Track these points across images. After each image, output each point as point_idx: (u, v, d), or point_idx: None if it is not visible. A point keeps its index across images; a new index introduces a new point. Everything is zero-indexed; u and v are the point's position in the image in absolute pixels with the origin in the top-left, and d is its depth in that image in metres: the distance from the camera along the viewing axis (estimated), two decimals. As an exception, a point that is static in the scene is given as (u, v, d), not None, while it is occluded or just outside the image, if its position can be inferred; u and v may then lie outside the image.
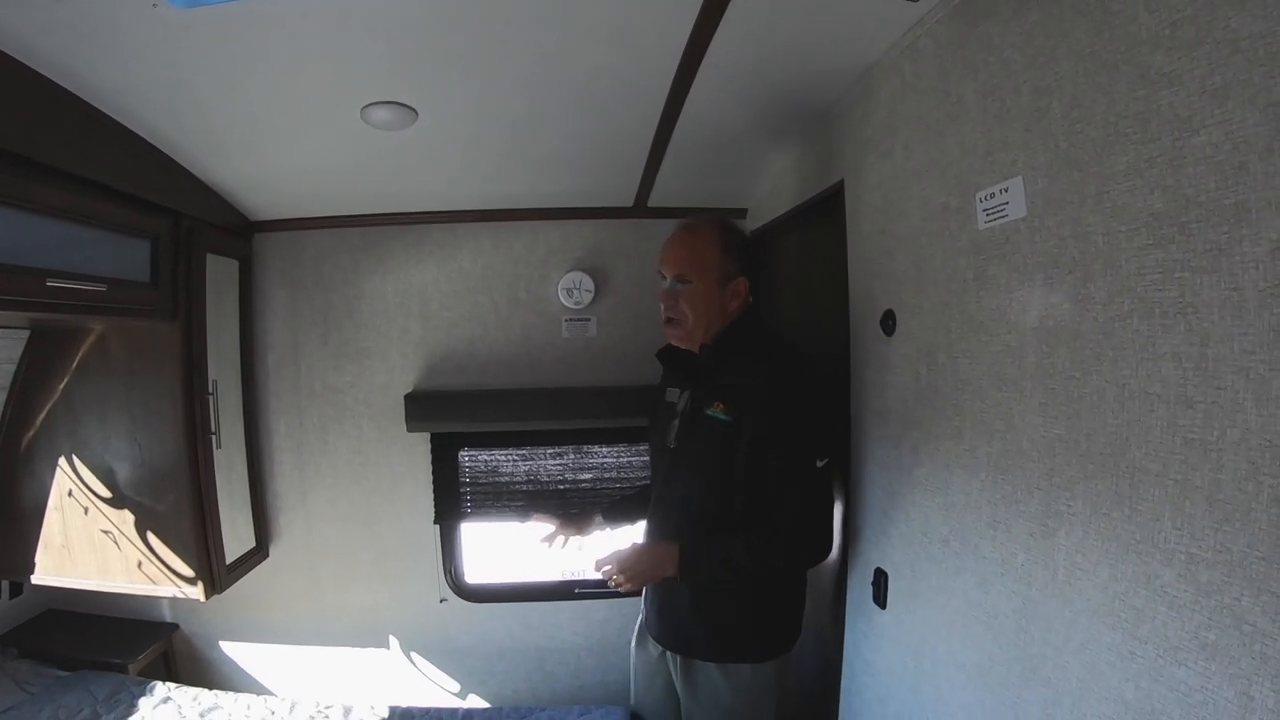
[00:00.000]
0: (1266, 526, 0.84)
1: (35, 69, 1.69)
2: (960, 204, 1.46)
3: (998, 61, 1.32)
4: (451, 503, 3.21)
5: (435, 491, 3.19)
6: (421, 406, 3.03)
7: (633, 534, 2.21)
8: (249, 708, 2.74)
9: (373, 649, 3.33)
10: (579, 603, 3.30)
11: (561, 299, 3.13)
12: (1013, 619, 1.34)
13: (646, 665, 2.16)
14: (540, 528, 2.27)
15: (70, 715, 2.49)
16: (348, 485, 3.21)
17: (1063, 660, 1.20)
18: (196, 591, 2.60)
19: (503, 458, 3.22)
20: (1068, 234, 1.15)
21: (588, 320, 3.17)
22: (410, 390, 3.12)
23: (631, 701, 2.32)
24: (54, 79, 1.75)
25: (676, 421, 1.93)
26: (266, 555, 3.15)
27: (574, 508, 3.03)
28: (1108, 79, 1.05)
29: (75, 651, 2.89)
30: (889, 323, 1.79)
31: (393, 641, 3.32)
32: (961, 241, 1.46)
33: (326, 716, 2.72)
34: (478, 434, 3.18)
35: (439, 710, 2.75)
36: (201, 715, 2.64)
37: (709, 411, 1.83)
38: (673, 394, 2.02)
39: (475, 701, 3.34)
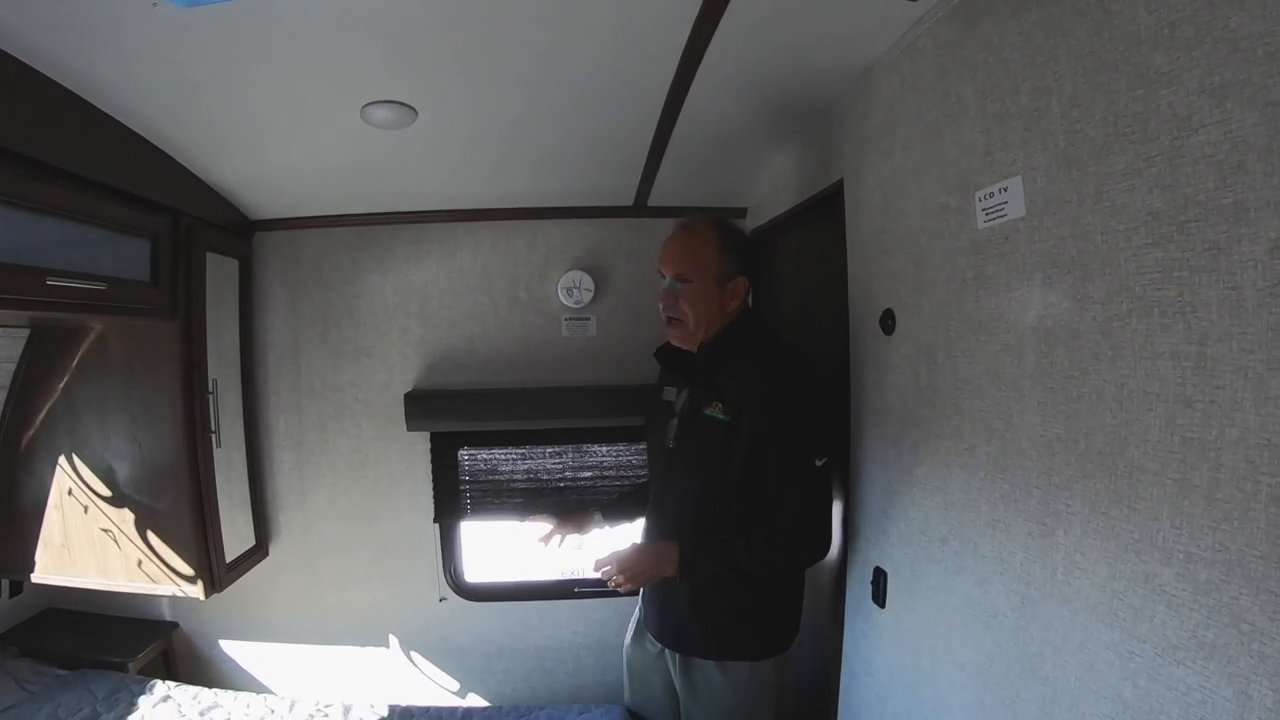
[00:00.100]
0: (1265, 525, 0.84)
1: (35, 67, 1.69)
2: (959, 203, 1.46)
3: (997, 61, 1.32)
4: (451, 502, 3.21)
5: (435, 490, 3.19)
6: (421, 405, 3.03)
7: (631, 532, 2.21)
8: (248, 706, 2.74)
9: (372, 648, 3.33)
10: (578, 602, 3.30)
11: (561, 298, 3.13)
12: (1011, 618, 1.35)
13: (644, 663, 2.16)
14: (538, 528, 2.27)
15: (70, 714, 2.49)
16: (347, 484, 3.21)
17: (1061, 659, 1.21)
18: (196, 590, 2.60)
19: (502, 456, 3.22)
20: (1067, 233, 1.15)
21: (587, 319, 3.17)
22: (410, 389, 3.12)
23: (626, 699, 2.32)
24: (54, 78, 1.75)
25: (675, 421, 1.93)
26: (266, 554, 3.15)
27: (573, 506, 3.02)
28: (1107, 78, 1.05)
29: (75, 650, 2.89)
30: (888, 322, 1.79)
31: (392, 640, 3.33)
32: (961, 241, 1.46)
33: (326, 715, 2.72)
34: (477, 433, 3.18)
35: (438, 709, 2.75)
36: (201, 714, 2.63)
37: (708, 411, 1.83)
38: (670, 393, 2.02)
39: (475, 700, 3.34)
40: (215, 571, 2.66)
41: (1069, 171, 1.14)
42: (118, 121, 2.02)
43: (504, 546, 3.61)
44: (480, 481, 3.23)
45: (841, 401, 2.09)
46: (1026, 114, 1.24)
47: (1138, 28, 0.99)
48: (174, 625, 3.23)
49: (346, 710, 2.74)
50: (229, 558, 2.77)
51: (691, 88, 1.88)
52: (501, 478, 3.23)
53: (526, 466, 3.23)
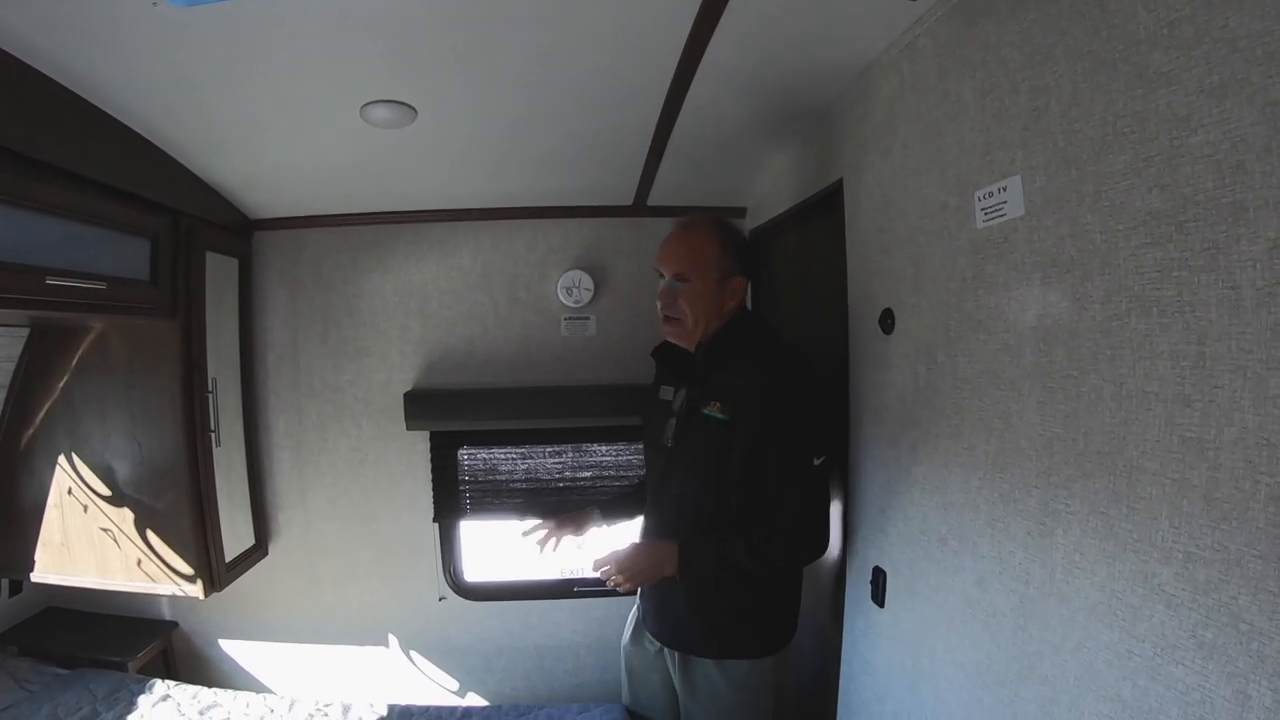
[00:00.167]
0: (1264, 525, 0.84)
1: (36, 67, 1.69)
2: (959, 203, 1.46)
3: (996, 60, 1.32)
4: (450, 501, 3.21)
5: (434, 490, 3.19)
6: (421, 405, 3.03)
7: (630, 531, 2.21)
8: (248, 705, 2.74)
9: (372, 647, 3.33)
10: (578, 601, 3.30)
11: (561, 297, 3.13)
12: (1011, 617, 1.35)
13: (643, 662, 2.16)
14: (535, 534, 2.27)
15: (70, 713, 2.49)
16: (347, 483, 3.21)
17: (1060, 659, 1.21)
18: (196, 589, 2.60)
19: (502, 456, 3.22)
20: (1066, 233, 1.16)
21: (587, 319, 3.17)
22: (409, 388, 3.12)
23: (624, 699, 2.32)
24: (54, 77, 1.75)
25: (673, 420, 1.93)
26: (266, 553, 3.15)
27: (572, 505, 3.03)
28: (1106, 78, 1.05)
29: (75, 649, 2.89)
30: (887, 321, 1.79)
31: (392, 640, 3.33)
32: (960, 240, 1.46)
33: (325, 714, 2.72)
34: (477, 432, 3.18)
35: (438, 708, 2.75)
36: (201, 713, 2.63)
37: (706, 411, 1.83)
38: (667, 392, 2.02)
39: (474, 700, 3.34)
40: (215, 571, 2.66)
41: (1068, 171, 1.14)
42: (118, 121, 2.02)
43: (503, 546, 3.60)
44: (480, 481, 3.23)
45: (840, 401, 2.09)
46: (1026, 113, 1.24)
47: (1137, 27, 0.99)
48: (173, 624, 3.23)
49: (346, 710, 2.74)
50: (228, 557, 2.77)
51: (691, 87, 1.88)
52: (501, 477, 3.23)
53: (526, 466, 3.23)
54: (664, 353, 2.05)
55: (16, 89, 1.68)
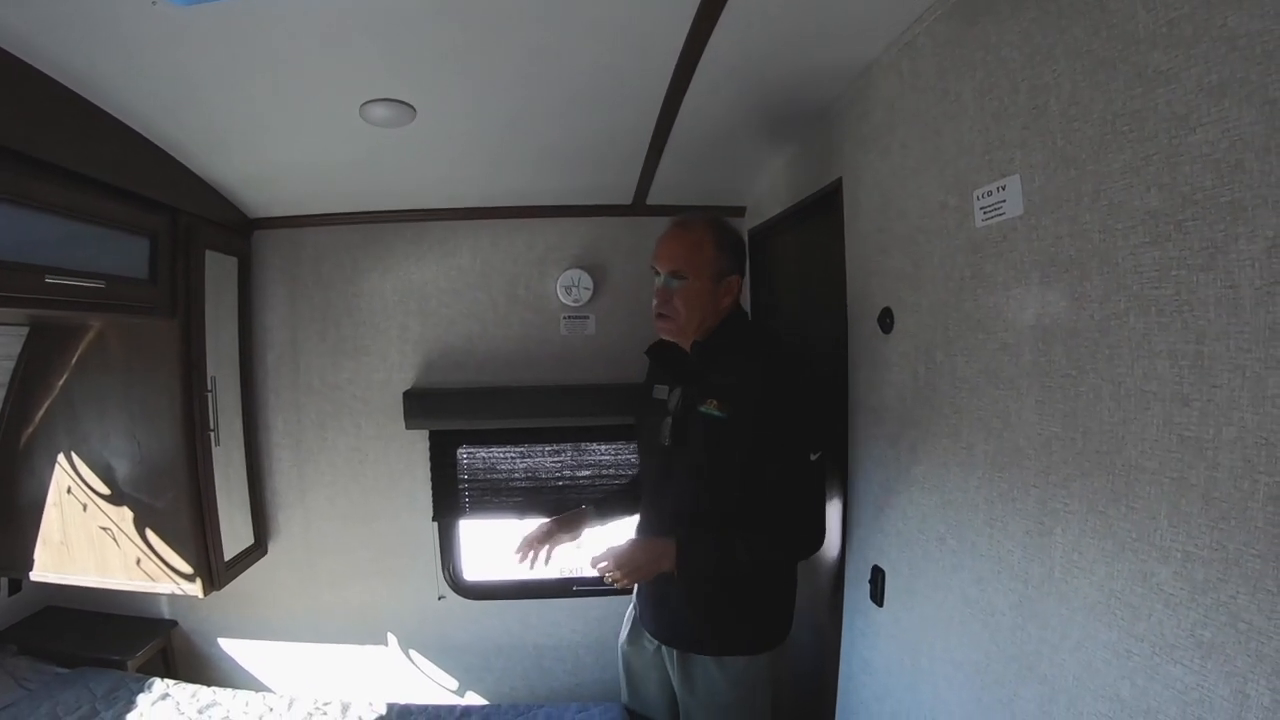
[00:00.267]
0: (1262, 524, 0.84)
1: (36, 66, 1.69)
2: (958, 202, 1.46)
3: (996, 60, 1.32)
4: (450, 500, 3.21)
5: (433, 489, 3.19)
6: (420, 404, 3.03)
7: (626, 529, 2.21)
8: (247, 704, 2.74)
9: (371, 646, 3.33)
10: (577, 600, 3.30)
11: (560, 296, 3.13)
12: (1009, 616, 1.35)
13: (641, 661, 2.16)
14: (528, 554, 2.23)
15: (69, 712, 2.49)
16: (346, 482, 3.21)
17: (1059, 658, 1.21)
18: (195, 588, 2.60)
19: (501, 455, 3.22)
20: (1065, 232, 1.16)
21: (586, 318, 3.17)
22: (409, 387, 3.12)
23: (623, 698, 2.32)
24: (54, 76, 1.75)
25: (669, 419, 1.93)
26: (265, 552, 3.15)
27: (571, 504, 3.02)
28: (1105, 77, 1.05)
29: (74, 648, 2.88)
30: (887, 320, 1.80)
31: (391, 639, 3.33)
32: (959, 239, 1.46)
33: (324, 713, 2.72)
34: (476, 431, 3.18)
35: (437, 707, 2.75)
36: (200, 712, 2.64)
37: (702, 408, 1.83)
38: (661, 391, 2.02)
39: (473, 699, 3.34)
40: (214, 570, 2.66)
41: (1067, 170, 1.14)
42: (117, 120, 2.02)
43: (503, 545, 3.59)
44: (479, 480, 3.23)
45: (839, 400, 2.09)
46: (1025, 113, 1.24)
47: (1136, 26, 0.99)
48: (173, 623, 3.22)
49: (345, 708, 2.74)
50: (228, 556, 2.77)
51: (690, 86, 1.88)
52: (500, 476, 3.23)
53: (525, 465, 3.23)
54: (658, 351, 2.05)
55: (17, 88, 1.68)
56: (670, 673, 2.03)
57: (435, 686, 3.35)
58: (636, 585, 2.11)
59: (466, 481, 3.23)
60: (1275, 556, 0.83)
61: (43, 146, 1.82)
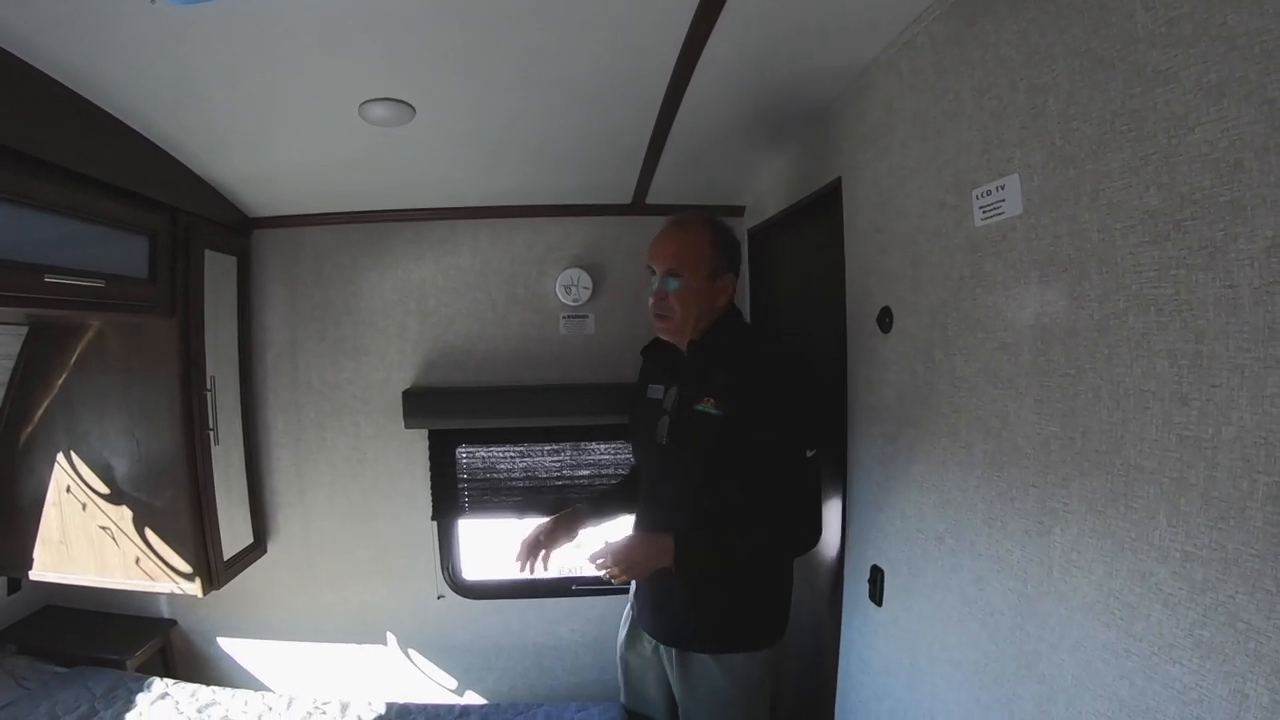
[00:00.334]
0: (1261, 524, 0.84)
1: (36, 66, 1.69)
2: (957, 201, 1.46)
3: (995, 59, 1.32)
4: (449, 499, 3.21)
5: (433, 488, 3.19)
6: (419, 403, 3.02)
7: (623, 526, 2.21)
8: (246, 704, 2.74)
9: (370, 645, 3.33)
10: (576, 600, 3.30)
11: (559, 296, 3.13)
12: (1008, 616, 1.35)
13: (640, 662, 2.16)
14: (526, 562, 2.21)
15: (68, 711, 2.49)
16: (345, 482, 3.21)
17: (1058, 657, 1.21)
18: (194, 588, 2.60)
19: (500, 454, 3.22)
20: (1063, 231, 1.15)
21: (585, 317, 3.17)
22: (408, 387, 3.12)
23: (622, 699, 2.32)
24: (54, 76, 1.75)
25: (665, 418, 1.94)
26: (264, 551, 3.15)
27: (569, 505, 3.02)
28: (1104, 76, 1.05)
29: (73, 647, 2.88)
30: (886, 320, 1.80)
31: (390, 638, 3.33)
32: (958, 239, 1.46)
33: (324, 713, 2.72)
34: (475, 430, 3.17)
35: (436, 707, 2.75)
36: (199, 711, 2.64)
37: (699, 407, 1.84)
38: (656, 391, 2.03)
39: (472, 698, 3.34)
40: (213, 569, 2.66)
41: (1066, 169, 1.14)
42: (116, 119, 2.02)
43: (502, 544, 3.59)
44: (478, 479, 3.23)
45: (837, 398, 2.09)
46: (1024, 112, 1.24)
47: (1135, 25, 0.98)
48: (172, 623, 3.22)
49: (344, 708, 2.74)
50: (227, 555, 2.77)
51: (689, 85, 1.88)
52: (499, 475, 3.23)
53: (525, 464, 3.23)
54: (653, 351, 2.06)
55: (17, 88, 1.68)
56: (669, 673, 2.04)
57: (435, 686, 3.35)
58: (635, 587, 2.12)
59: (466, 481, 3.23)
60: (1274, 556, 0.82)
61: (43, 146, 1.82)
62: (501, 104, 2.04)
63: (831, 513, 2.18)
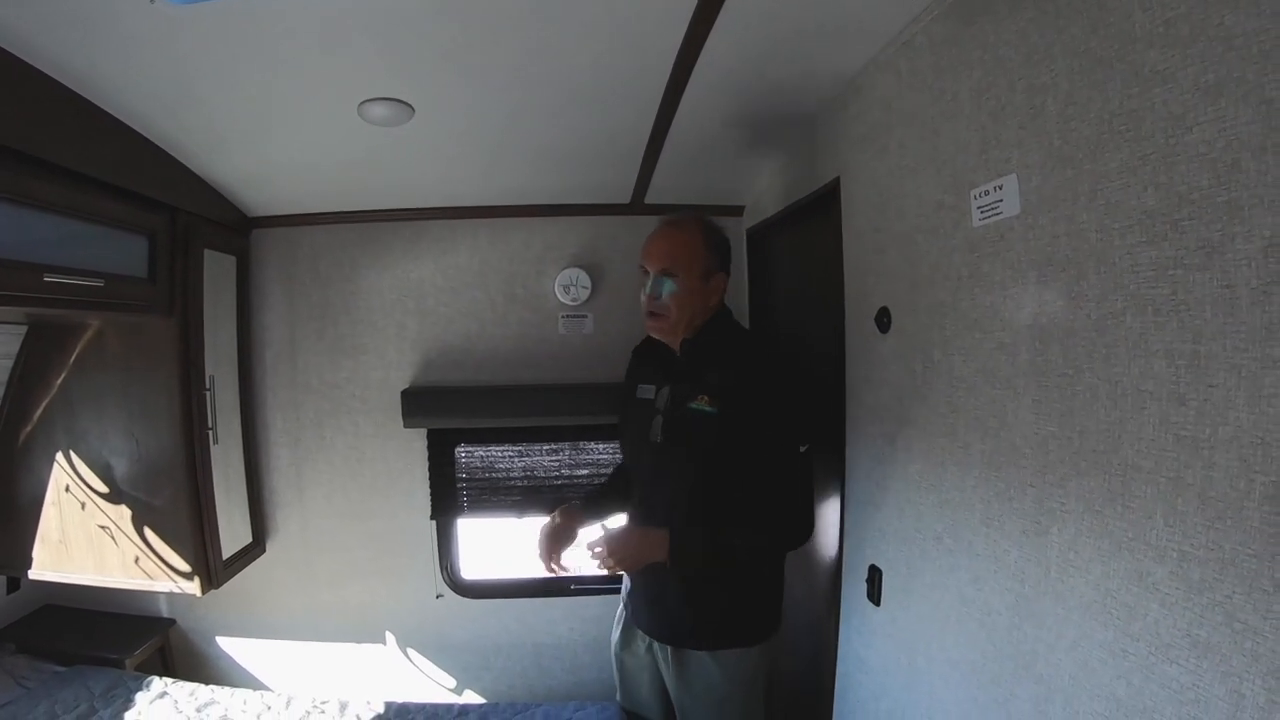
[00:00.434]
0: (1258, 524, 0.84)
1: (36, 66, 1.69)
2: (955, 201, 1.46)
3: (993, 59, 1.32)
4: (448, 499, 3.21)
5: (432, 487, 3.19)
6: (418, 402, 3.02)
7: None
8: (245, 703, 2.74)
9: (369, 645, 3.33)
10: (575, 599, 3.30)
11: (558, 295, 3.13)
12: (1006, 616, 1.35)
13: (635, 662, 2.17)
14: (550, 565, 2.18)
15: (67, 710, 2.49)
16: (344, 481, 3.21)
17: (1055, 657, 1.21)
18: (193, 587, 2.60)
19: (499, 454, 3.22)
20: (1061, 231, 1.16)
21: (584, 317, 3.17)
22: (407, 386, 3.12)
23: (618, 698, 2.33)
24: (54, 76, 1.75)
25: (659, 417, 1.94)
26: (263, 551, 3.14)
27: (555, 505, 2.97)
28: (1102, 76, 1.05)
29: (72, 646, 2.88)
30: (884, 320, 1.80)
31: (389, 637, 3.33)
32: (956, 239, 1.46)
33: (322, 712, 2.72)
34: (474, 430, 3.18)
35: (435, 706, 2.75)
36: (198, 710, 2.64)
37: (693, 405, 1.86)
38: (647, 391, 2.03)
39: (471, 697, 3.34)
40: (212, 568, 2.66)
41: (1064, 170, 1.14)
42: (116, 119, 2.02)
43: (501, 544, 3.60)
44: (477, 479, 3.23)
45: (834, 397, 2.10)
46: (1022, 112, 1.24)
47: (1133, 26, 0.99)
48: (171, 622, 3.22)
49: (343, 707, 2.74)
50: (226, 554, 2.77)
51: (688, 85, 1.88)
52: (498, 475, 3.23)
53: (523, 464, 3.23)
54: (644, 351, 2.08)
55: (17, 88, 1.68)
56: (663, 672, 2.04)
57: (433, 685, 3.35)
58: (629, 585, 2.13)
59: (464, 480, 3.23)
60: (1271, 556, 0.83)
61: (43, 146, 1.82)
62: (500, 103, 2.04)
63: (830, 512, 2.18)
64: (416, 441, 3.17)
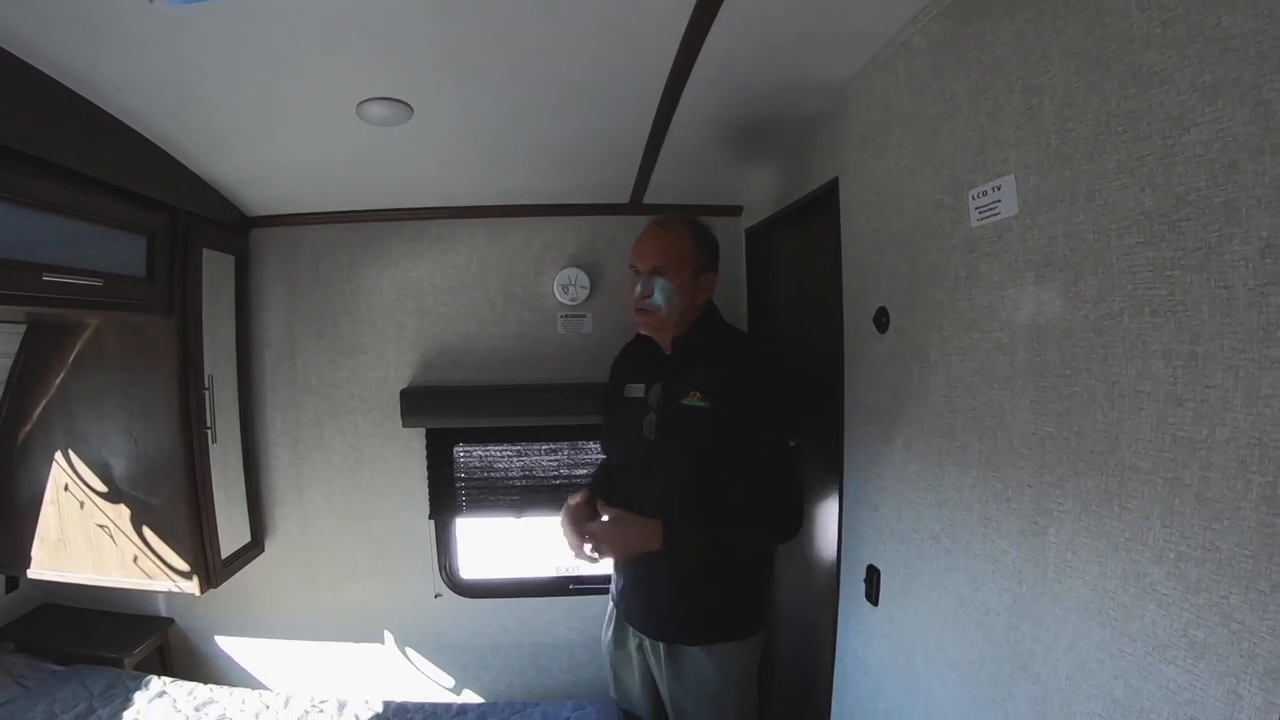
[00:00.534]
0: (1255, 525, 0.84)
1: (36, 66, 1.69)
2: (953, 201, 1.46)
3: (990, 60, 1.32)
4: (447, 498, 3.21)
5: (430, 487, 3.19)
6: (417, 402, 3.02)
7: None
8: (244, 702, 2.74)
9: (368, 644, 3.33)
10: (574, 599, 3.30)
11: (557, 295, 3.13)
12: (1003, 616, 1.35)
13: (626, 660, 2.19)
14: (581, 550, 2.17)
15: (66, 709, 2.49)
16: (343, 480, 3.21)
17: (1053, 657, 1.21)
18: (192, 586, 2.60)
19: (498, 453, 3.22)
20: (1059, 232, 1.16)
21: (583, 316, 3.17)
22: (405, 385, 3.12)
23: (612, 694, 2.34)
24: (54, 76, 1.75)
25: (651, 415, 1.95)
26: (262, 550, 3.15)
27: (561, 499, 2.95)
28: (1099, 77, 1.05)
29: (71, 646, 2.88)
30: (882, 320, 1.80)
31: (388, 636, 3.33)
32: (954, 239, 1.46)
33: (321, 711, 2.72)
34: (473, 429, 3.18)
35: (433, 705, 2.76)
36: (197, 709, 2.64)
37: (686, 401, 1.88)
38: (636, 389, 2.06)
39: (470, 696, 3.35)
40: (211, 567, 2.66)
41: (1061, 170, 1.14)
42: (115, 118, 2.02)
43: (499, 543, 3.60)
44: (476, 478, 3.23)
45: (826, 393, 2.11)
46: (1019, 112, 1.24)
47: (1130, 26, 0.99)
48: (169, 621, 3.23)
49: (341, 706, 2.74)
50: (224, 554, 2.77)
51: (687, 85, 1.88)
52: (497, 474, 3.23)
53: (522, 463, 3.23)
54: (634, 350, 2.12)
55: (17, 88, 1.68)
56: (654, 669, 2.06)
57: (432, 684, 3.35)
58: (620, 584, 2.14)
59: (463, 480, 3.23)
60: (1268, 557, 0.83)
61: (42, 146, 1.82)
62: (499, 103, 2.04)
63: (828, 512, 2.18)
64: (415, 441, 3.17)
